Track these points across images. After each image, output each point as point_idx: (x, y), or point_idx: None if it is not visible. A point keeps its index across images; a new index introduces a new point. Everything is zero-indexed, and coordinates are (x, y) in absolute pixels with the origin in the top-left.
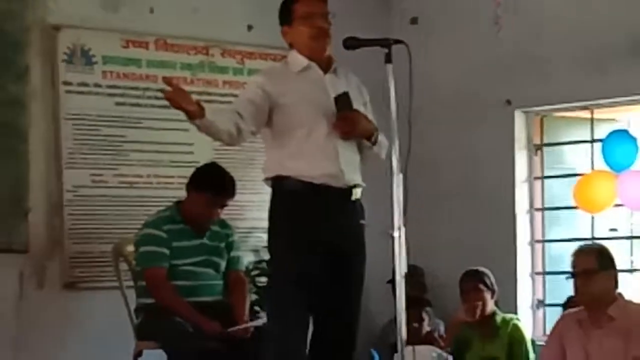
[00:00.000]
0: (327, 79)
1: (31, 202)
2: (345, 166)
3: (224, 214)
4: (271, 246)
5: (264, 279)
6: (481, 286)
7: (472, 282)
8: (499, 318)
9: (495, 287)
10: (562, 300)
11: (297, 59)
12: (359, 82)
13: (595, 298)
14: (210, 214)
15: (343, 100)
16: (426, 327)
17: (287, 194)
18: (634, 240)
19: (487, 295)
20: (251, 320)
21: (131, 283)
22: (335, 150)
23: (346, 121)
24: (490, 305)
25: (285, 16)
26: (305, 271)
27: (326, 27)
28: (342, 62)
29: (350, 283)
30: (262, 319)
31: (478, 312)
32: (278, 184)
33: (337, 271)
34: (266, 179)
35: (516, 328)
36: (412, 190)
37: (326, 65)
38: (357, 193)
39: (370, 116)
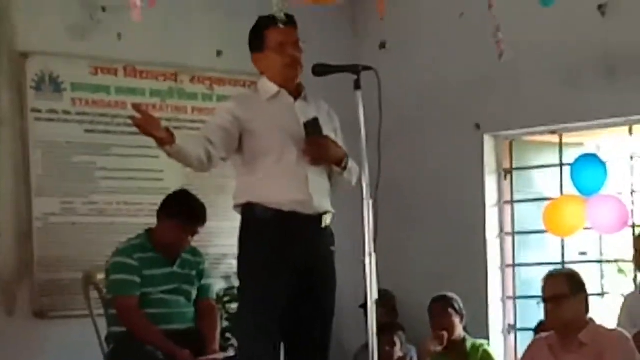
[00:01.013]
0: (297, 105)
1: (0, 230)
2: (314, 192)
3: (195, 241)
4: (241, 273)
5: (235, 306)
6: (450, 310)
7: (441, 306)
8: (469, 344)
9: (464, 312)
10: (533, 324)
11: (267, 86)
12: (329, 109)
13: (566, 323)
14: (182, 242)
15: (313, 126)
16: (398, 352)
17: (256, 221)
18: (604, 264)
19: (456, 319)
20: (222, 348)
21: (102, 311)
22: (305, 176)
23: (315, 147)
24: (459, 330)
25: (257, 43)
26: (275, 298)
27: (299, 55)
28: (312, 88)
29: (321, 309)
30: (234, 350)
31: (445, 340)
32: (247, 211)
33: (308, 298)
34: (236, 206)
35: (486, 354)
36: (382, 215)
37: (296, 92)
38: (326, 219)
39: (341, 142)
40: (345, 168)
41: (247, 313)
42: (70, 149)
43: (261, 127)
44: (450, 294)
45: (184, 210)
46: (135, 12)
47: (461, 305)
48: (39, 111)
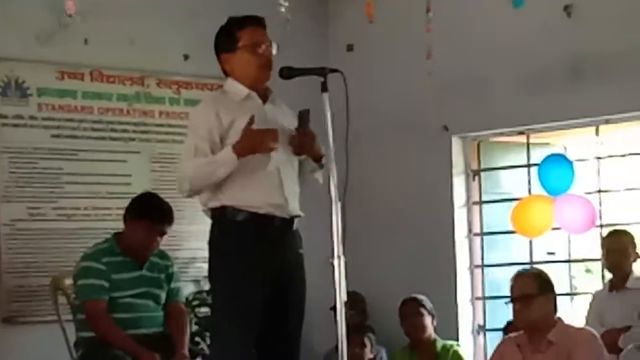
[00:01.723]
0: (266, 108)
1: None
2: (289, 196)
3: (163, 244)
4: (213, 276)
5: (204, 310)
6: (422, 310)
7: (412, 307)
8: (439, 344)
9: (434, 312)
10: (502, 325)
11: (237, 88)
12: (293, 114)
13: (534, 322)
14: (150, 242)
15: (306, 116)
16: (368, 354)
17: (230, 224)
18: (572, 264)
19: (428, 319)
20: (191, 352)
21: (70, 317)
22: (279, 180)
23: (306, 137)
24: (430, 330)
25: (227, 43)
26: (248, 301)
27: (271, 57)
28: (279, 90)
29: (291, 312)
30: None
31: (419, 331)
32: (220, 213)
33: (278, 300)
34: (207, 209)
35: (457, 355)
36: (350, 217)
37: (264, 95)
38: (297, 223)
39: None
40: (321, 166)
41: (219, 316)
42: (37, 154)
43: (235, 130)
44: (420, 295)
45: (151, 210)
46: (69, 3)
47: (431, 305)
48: (5, 117)
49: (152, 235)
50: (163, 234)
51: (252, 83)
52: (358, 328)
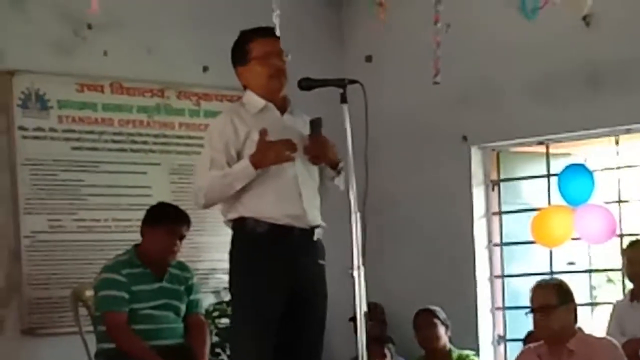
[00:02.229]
0: (285, 119)
1: None
2: (308, 206)
3: (184, 256)
4: (233, 288)
5: (225, 321)
6: (435, 320)
7: (426, 318)
8: (455, 355)
9: (448, 322)
10: (522, 335)
11: (254, 100)
12: None
13: (555, 333)
14: (170, 247)
15: (317, 125)
16: None
17: (250, 235)
18: (592, 274)
19: (442, 329)
20: None
21: (91, 328)
22: (298, 191)
23: (319, 145)
24: (445, 340)
25: (240, 56)
26: (268, 313)
27: (283, 66)
28: (299, 102)
29: (312, 323)
30: None
31: (433, 342)
32: (240, 225)
33: (299, 312)
34: (227, 221)
35: None
36: (370, 228)
37: (282, 106)
38: (318, 233)
39: None
40: (339, 172)
41: (239, 328)
42: (58, 167)
43: (251, 141)
44: (434, 306)
45: (166, 214)
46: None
47: (445, 315)
48: (26, 129)
49: (172, 240)
50: (182, 237)
51: (267, 94)
52: (378, 339)
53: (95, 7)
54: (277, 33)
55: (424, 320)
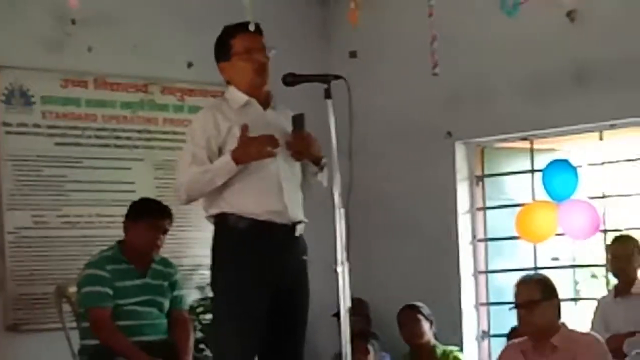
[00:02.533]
0: (267, 114)
1: None
2: (289, 202)
3: (168, 251)
4: (215, 284)
5: (208, 317)
6: (419, 316)
7: (410, 314)
8: (439, 350)
9: (432, 318)
10: (506, 330)
11: (236, 95)
12: None
13: (538, 328)
14: (153, 241)
15: (300, 120)
16: None
17: (231, 231)
18: (578, 269)
19: (426, 325)
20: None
21: (74, 324)
22: (279, 186)
23: (301, 141)
24: (429, 335)
25: (223, 52)
26: (250, 309)
27: (266, 61)
28: (282, 97)
29: (294, 319)
30: None
31: (417, 338)
32: (222, 221)
33: (281, 308)
34: (209, 216)
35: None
36: (354, 224)
37: (265, 101)
38: (300, 229)
39: None
40: (322, 168)
41: (221, 324)
42: (41, 162)
43: (233, 137)
44: (418, 302)
45: (149, 209)
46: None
47: (429, 311)
48: (9, 125)
49: (155, 234)
50: (165, 231)
51: (250, 89)
52: (361, 334)
53: (74, 2)
54: (251, 27)
55: (408, 316)
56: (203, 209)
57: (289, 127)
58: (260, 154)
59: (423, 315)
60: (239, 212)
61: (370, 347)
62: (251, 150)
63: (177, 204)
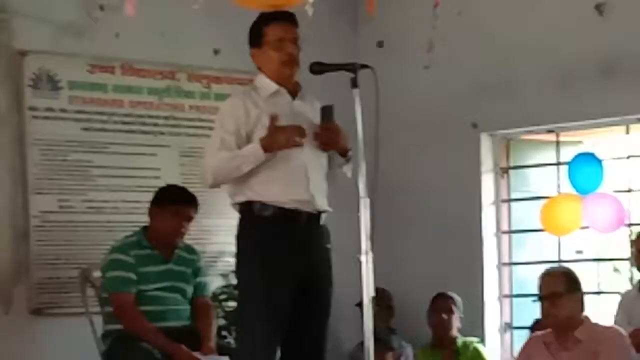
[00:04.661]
0: (295, 104)
1: None
2: (315, 192)
3: (192, 238)
4: (240, 272)
5: (232, 304)
6: (454, 308)
7: (446, 303)
8: (460, 341)
9: (462, 314)
10: (529, 323)
11: (266, 83)
12: None
13: (562, 321)
14: (178, 228)
15: (329, 112)
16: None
17: (257, 219)
18: (600, 263)
19: (457, 318)
20: (218, 346)
21: (98, 309)
22: (306, 176)
23: (329, 132)
24: (456, 328)
25: (256, 38)
26: (275, 297)
27: (295, 53)
28: (310, 86)
29: (318, 308)
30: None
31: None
32: (247, 208)
33: (305, 297)
34: (234, 204)
35: (477, 351)
36: (379, 214)
37: (294, 91)
38: (324, 218)
39: None
40: (348, 160)
41: (245, 313)
42: (68, 147)
43: (262, 125)
44: (453, 294)
45: (174, 196)
46: (129, 6)
47: (461, 305)
48: (36, 109)
49: (179, 221)
50: (190, 219)
51: (279, 79)
52: (382, 336)
53: (131, 10)
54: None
55: (443, 304)
56: (229, 196)
57: (317, 118)
58: (288, 144)
59: (458, 307)
60: (264, 200)
61: (389, 357)
62: (279, 138)
63: (203, 191)
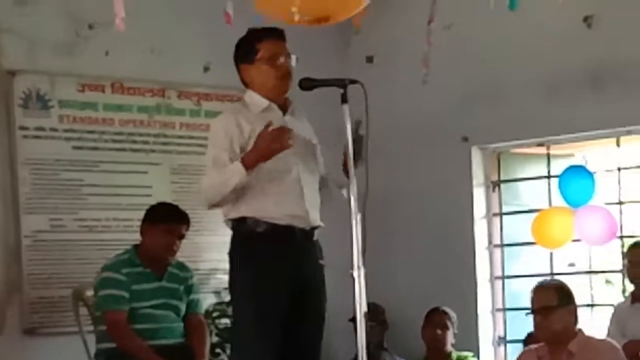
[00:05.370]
0: (286, 119)
1: None
2: (310, 207)
3: (184, 255)
4: (233, 289)
5: (225, 321)
6: (448, 323)
7: (441, 318)
8: (454, 356)
9: (456, 328)
10: (522, 336)
11: (256, 99)
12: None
13: (555, 334)
14: (170, 246)
15: (360, 143)
16: None
17: (250, 235)
18: (593, 275)
19: (451, 333)
20: None
21: (91, 328)
22: (301, 191)
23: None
24: (450, 345)
25: (246, 54)
26: (268, 314)
27: (291, 68)
28: (299, 101)
29: (311, 324)
30: None
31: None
32: (241, 225)
33: (299, 312)
34: (227, 220)
35: None
36: (370, 228)
37: (284, 106)
38: (317, 233)
39: (322, 159)
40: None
41: (240, 329)
42: (58, 166)
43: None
44: (447, 309)
45: (166, 213)
46: (119, 23)
47: (456, 320)
48: (27, 129)
49: (171, 239)
50: (181, 236)
51: (271, 94)
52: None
53: (121, 26)
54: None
55: (438, 319)
56: (222, 213)
57: (307, 133)
58: (278, 147)
59: (452, 323)
60: (258, 216)
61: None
62: (268, 144)
63: (195, 208)
